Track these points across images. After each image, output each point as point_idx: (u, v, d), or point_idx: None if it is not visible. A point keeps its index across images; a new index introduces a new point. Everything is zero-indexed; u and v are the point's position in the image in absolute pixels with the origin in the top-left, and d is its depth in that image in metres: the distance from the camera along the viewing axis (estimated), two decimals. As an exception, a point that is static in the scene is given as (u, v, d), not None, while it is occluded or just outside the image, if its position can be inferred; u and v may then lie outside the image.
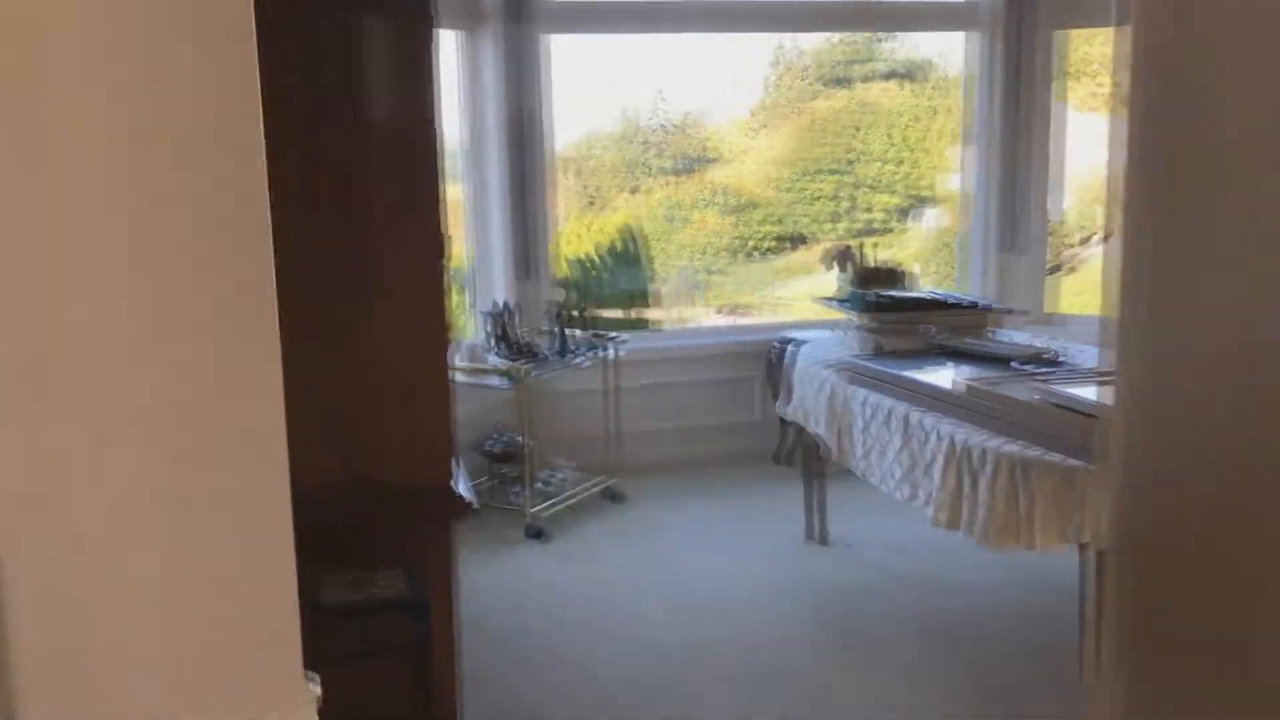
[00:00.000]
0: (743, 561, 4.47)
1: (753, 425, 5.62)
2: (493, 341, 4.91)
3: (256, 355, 1.38)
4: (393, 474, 2.89)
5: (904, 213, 11.02)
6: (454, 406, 2.91)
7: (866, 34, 10.56)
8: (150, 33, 1.17)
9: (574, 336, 5.07)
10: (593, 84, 8.33)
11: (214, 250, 1.28)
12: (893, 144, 10.89)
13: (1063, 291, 6.51)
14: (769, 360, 5.46)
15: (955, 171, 10.86)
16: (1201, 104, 1.27)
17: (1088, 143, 5.96)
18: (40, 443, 1.12)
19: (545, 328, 5.15)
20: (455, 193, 5.49)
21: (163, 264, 1.21)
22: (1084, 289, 10.24)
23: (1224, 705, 1.31)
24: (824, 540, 4.60)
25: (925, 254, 10.48)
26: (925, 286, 5.29)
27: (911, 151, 10.92)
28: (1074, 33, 5.76)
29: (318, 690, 1.37)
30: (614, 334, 5.25)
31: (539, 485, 4.96)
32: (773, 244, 10.83)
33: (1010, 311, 4.30)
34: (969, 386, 3.39)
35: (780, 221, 10.91)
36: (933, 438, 3.32)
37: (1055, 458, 3.01)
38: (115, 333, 1.17)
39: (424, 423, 2.89)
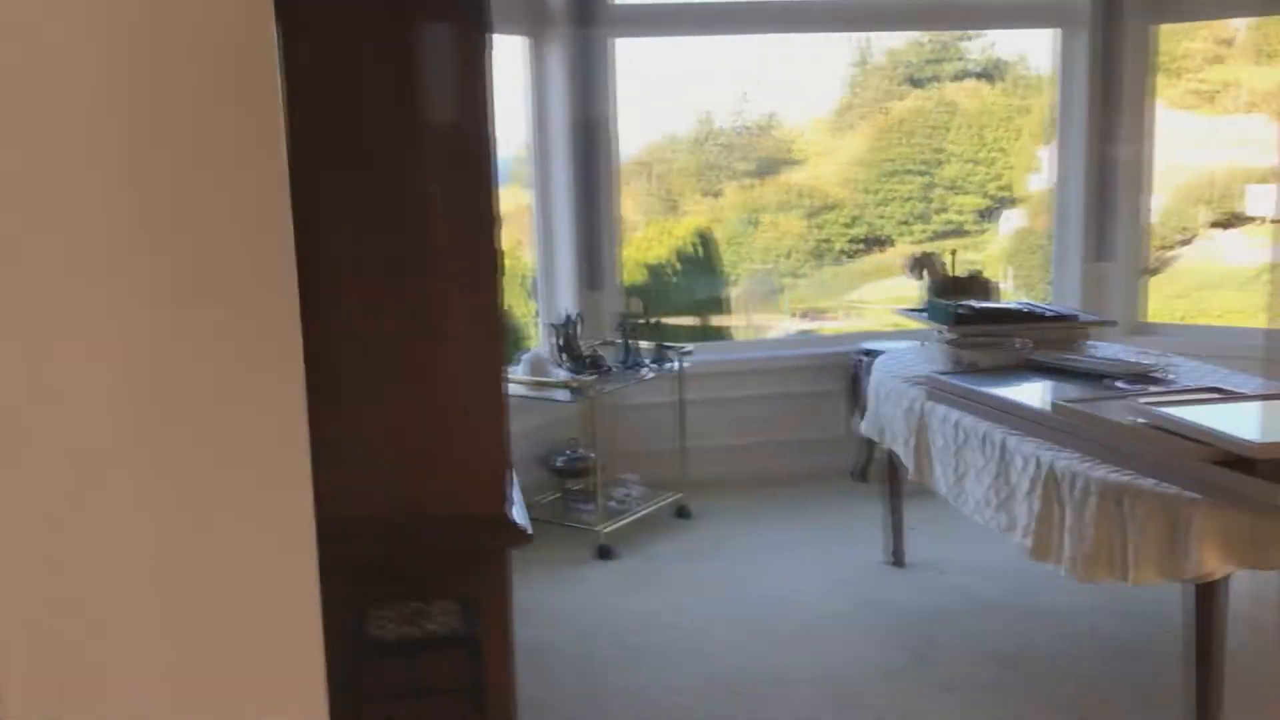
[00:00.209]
0: (817, 584, 4.22)
1: (827, 441, 5.35)
2: (558, 354, 4.73)
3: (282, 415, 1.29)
4: (448, 503, 2.72)
5: (986, 214, 10.65)
6: (508, 430, 2.72)
7: (950, 32, 10.22)
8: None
9: (639, 348, 4.86)
10: (670, 85, 8.13)
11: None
12: (976, 144, 10.53)
13: (1153, 296, 6.11)
14: (853, 374, 5.20)
15: (1040, 172, 10.44)
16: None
17: (1181, 142, 5.57)
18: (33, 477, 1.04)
19: (611, 339, 4.95)
20: (523, 200, 5.32)
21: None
22: (1183, 292, 9.77)
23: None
24: (900, 562, 4.33)
25: (1010, 257, 10.11)
26: (1010, 295, 5.00)
27: (993, 152, 10.55)
28: (1165, 28, 5.37)
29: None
30: (681, 345, 5.02)
31: (610, 504, 4.76)
32: (852, 246, 10.54)
33: (1111, 324, 3.98)
34: (1063, 407, 3.10)
35: (860, 224, 10.61)
36: (1030, 465, 3.04)
37: (1166, 488, 2.71)
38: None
39: (478, 447, 2.72)
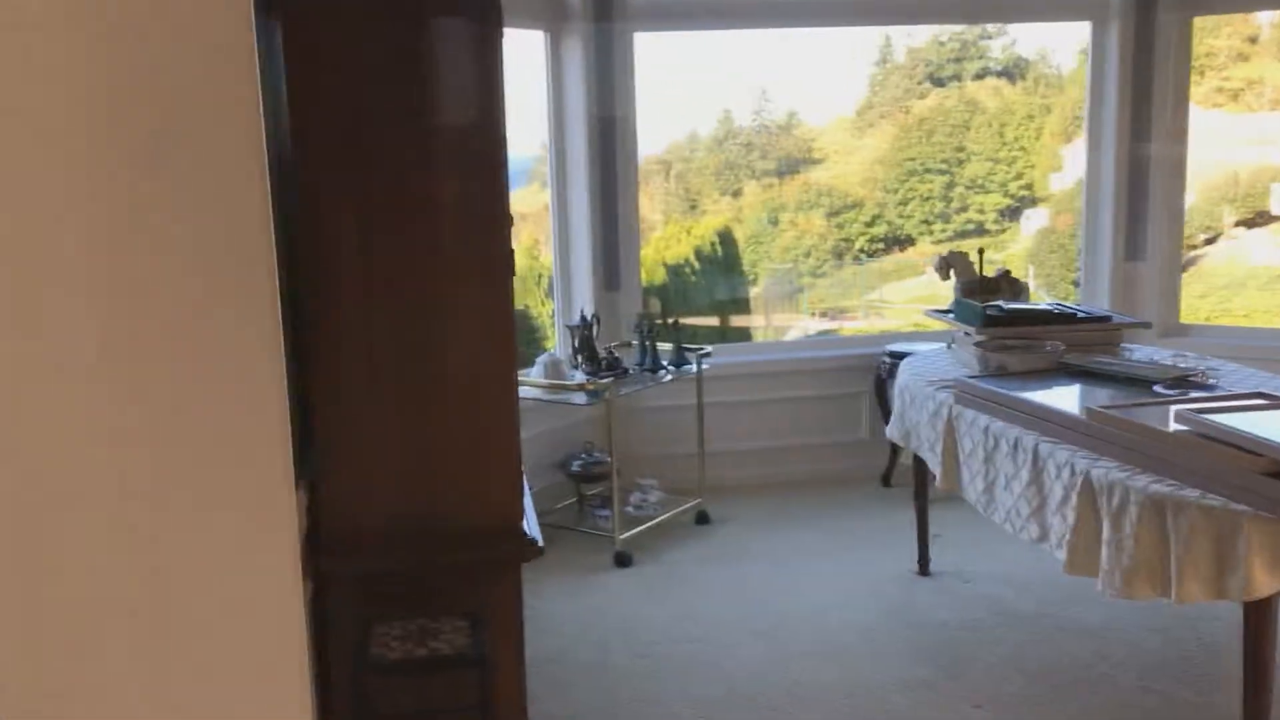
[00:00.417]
0: (840, 593, 4.04)
1: (851, 445, 5.18)
2: (575, 355, 4.57)
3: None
4: (456, 514, 2.57)
5: (1008, 214, 10.45)
6: (519, 437, 2.57)
7: (974, 31, 10.02)
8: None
9: (658, 350, 4.69)
10: (692, 84, 7.98)
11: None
12: (997, 143, 10.33)
13: (1183, 296, 5.89)
14: (878, 377, 5.02)
15: (1064, 171, 10.22)
16: None
17: (1205, 139, 5.35)
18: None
19: (630, 340, 4.79)
20: (542, 199, 5.17)
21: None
22: (1207, 291, 9.53)
23: None
24: (926, 570, 4.15)
25: (1031, 257, 9.90)
26: (1034, 296, 4.82)
27: (1015, 151, 10.34)
28: (1195, 23, 5.14)
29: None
30: (700, 347, 4.85)
31: (627, 509, 4.60)
32: (873, 245, 10.36)
33: (1146, 326, 3.79)
34: (1100, 413, 2.92)
35: (880, 223, 10.43)
36: (1065, 473, 2.87)
37: (1212, 500, 2.53)
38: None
39: (488, 456, 2.57)
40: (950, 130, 10.56)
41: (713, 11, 5.11)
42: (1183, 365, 3.31)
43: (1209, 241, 9.89)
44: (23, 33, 0.91)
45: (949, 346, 4.01)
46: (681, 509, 4.73)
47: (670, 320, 4.82)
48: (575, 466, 4.67)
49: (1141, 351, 3.66)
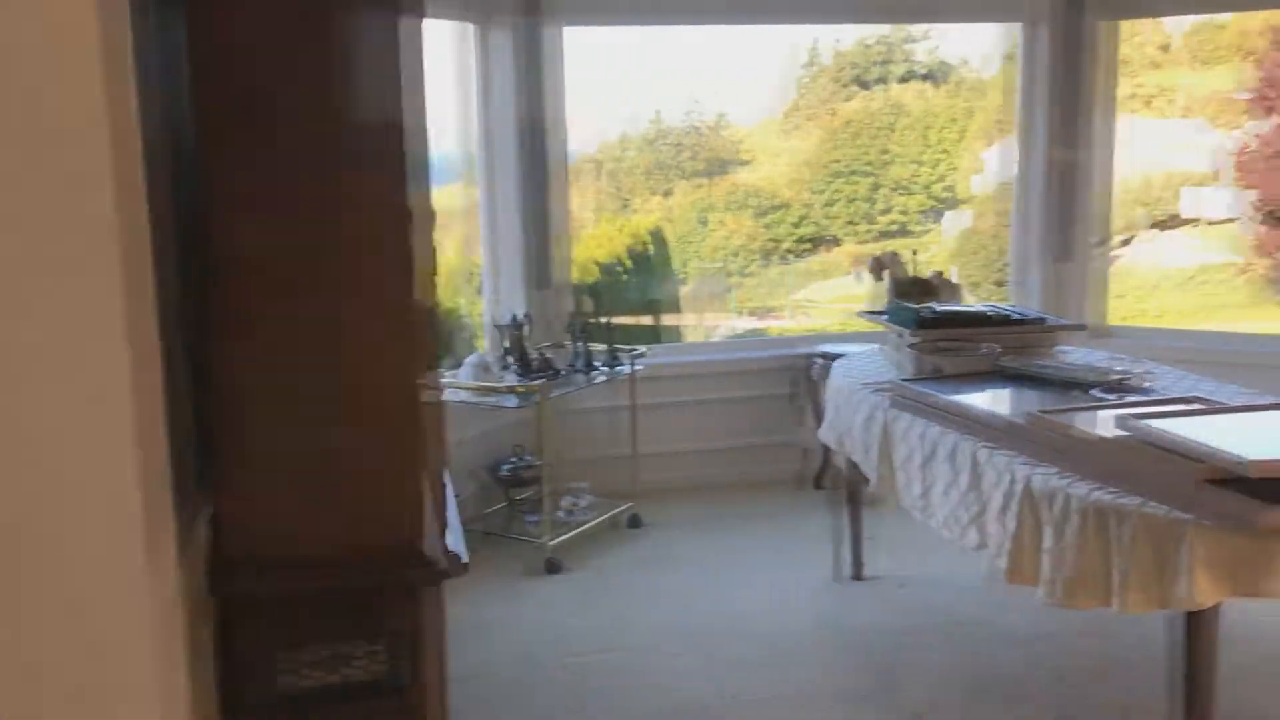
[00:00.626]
0: (774, 599, 3.90)
1: (784, 446, 5.04)
2: (506, 357, 4.37)
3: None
4: (365, 535, 2.35)
5: (933, 215, 10.48)
6: (426, 449, 2.37)
7: (898, 35, 10.01)
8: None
9: (591, 351, 4.51)
10: (623, 84, 7.83)
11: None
12: (921, 146, 10.35)
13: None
14: (807, 378, 4.89)
15: (985, 173, 10.25)
16: None
17: (1120, 144, 5.32)
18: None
19: (561, 341, 4.60)
20: (474, 196, 4.95)
21: None
22: (1124, 292, 9.62)
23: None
24: (860, 575, 4.03)
25: (954, 258, 9.92)
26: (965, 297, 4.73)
27: (938, 153, 10.36)
28: (1107, 28, 5.08)
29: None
30: (633, 348, 4.68)
31: (558, 514, 4.41)
32: (799, 246, 10.32)
33: (1081, 328, 3.71)
34: (1042, 419, 2.81)
35: (807, 224, 10.39)
36: (1004, 479, 2.75)
37: (1154, 508, 2.43)
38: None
39: (394, 470, 2.36)
40: (875, 133, 10.56)
41: (641, 7, 4.94)
42: (1119, 368, 3.22)
43: (1124, 244, 9.99)
44: None
45: (882, 348, 3.89)
46: (613, 513, 4.56)
47: (604, 320, 4.65)
48: (505, 471, 4.47)
49: (1076, 354, 3.57)
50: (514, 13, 4.68)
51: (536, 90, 4.76)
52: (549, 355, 4.40)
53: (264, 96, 2.19)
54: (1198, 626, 2.51)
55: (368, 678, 2.21)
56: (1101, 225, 5.13)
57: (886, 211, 10.37)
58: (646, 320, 8.16)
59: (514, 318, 4.43)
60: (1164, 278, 10.32)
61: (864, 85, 10.61)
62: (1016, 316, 3.57)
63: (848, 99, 10.56)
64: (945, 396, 3.12)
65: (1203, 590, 2.37)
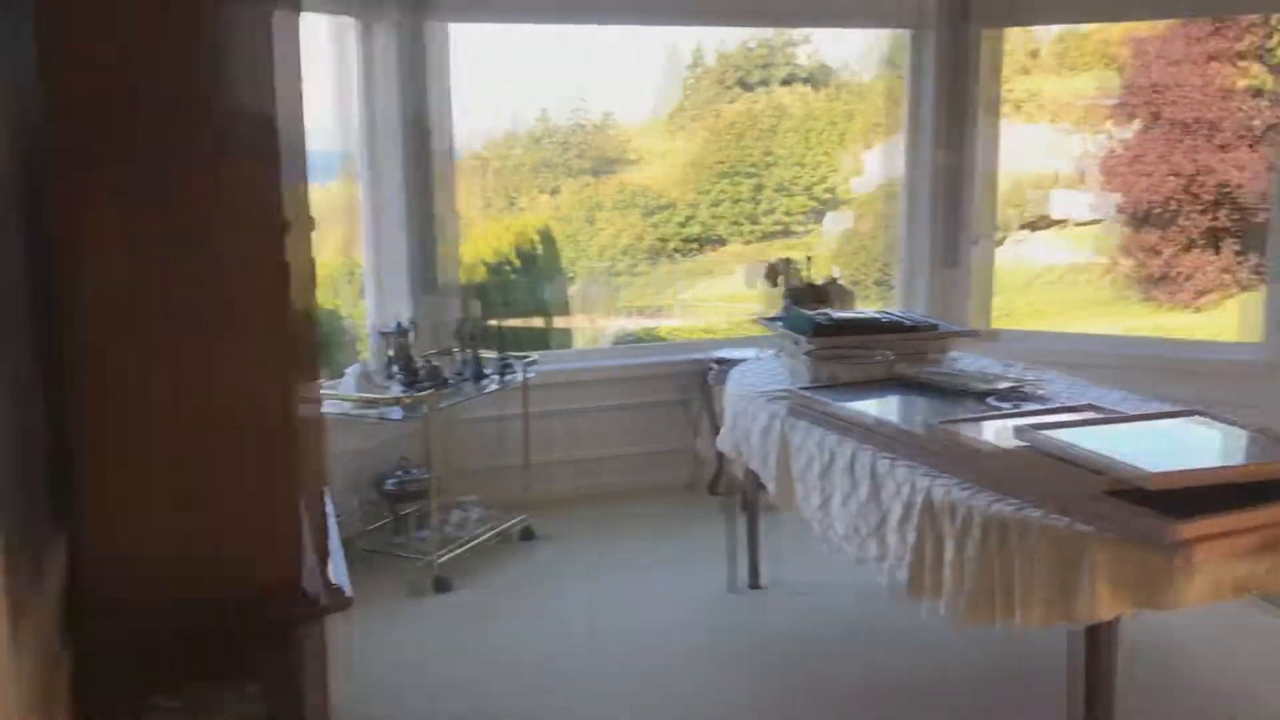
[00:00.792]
0: (672, 611, 3.79)
1: (680, 452, 4.93)
2: (391, 366, 4.15)
3: None
4: (234, 570, 2.15)
5: (815, 216, 10.56)
6: (298, 475, 2.18)
7: (781, 38, 10.04)
8: None
9: (480, 359, 4.32)
10: (510, 81, 7.63)
11: None
12: (803, 148, 10.41)
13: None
14: (703, 384, 4.78)
15: (865, 175, 10.36)
16: None
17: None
18: None
19: (449, 348, 4.40)
20: (353, 196, 4.70)
21: None
22: (998, 291, 9.83)
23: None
24: (758, 583, 3.95)
25: (836, 259, 10.00)
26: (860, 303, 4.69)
27: (819, 155, 10.44)
28: (991, 35, 5.12)
29: None
30: (524, 355, 4.51)
31: (447, 529, 4.21)
32: (686, 245, 10.28)
33: (974, 334, 3.69)
34: (942, 430, 2.76)
35: (694, 224, 10.36)
36: (905, 490, 2.68)
37: (1055, 521, 2.38)
38: None
39: (266, 499, 2.15)
40: (759, 134, 10.60)
41: (526, 5, 4.77)
42: (1013, 375, 3.20)
43: (997, 244, 10.23)
44: None
45: (778, 355, 3.80)
46: (505, 526, 4.38)
47: (493, 324, 4.46)
48: (390, 485, 4.24)
49: (969, 360, 3.54)
50: (398, 9, 4.46)
51: (421, 87, 4.54)
52: (436, 363, 4.20)
53: (123, 92, 1.97)
54: (1098, 639, 2.48)
55: (240, 728, 2.01)
56: (986, 227, 5.16)
57: (770, 212, 10.40)
58: (537, 322, 7.99)
59: (399, 324, 4.21)
60: (1035, 277, 10.59)
61: (747, 87, 10.62)
62: (910, 323, 3.52)
63: (731, 101, 10.55)
64: (843, 405, 3.04)
65: (1104, 604, 2.33)
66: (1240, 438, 2.62)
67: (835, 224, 10.64)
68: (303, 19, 2.60)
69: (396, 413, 4.01)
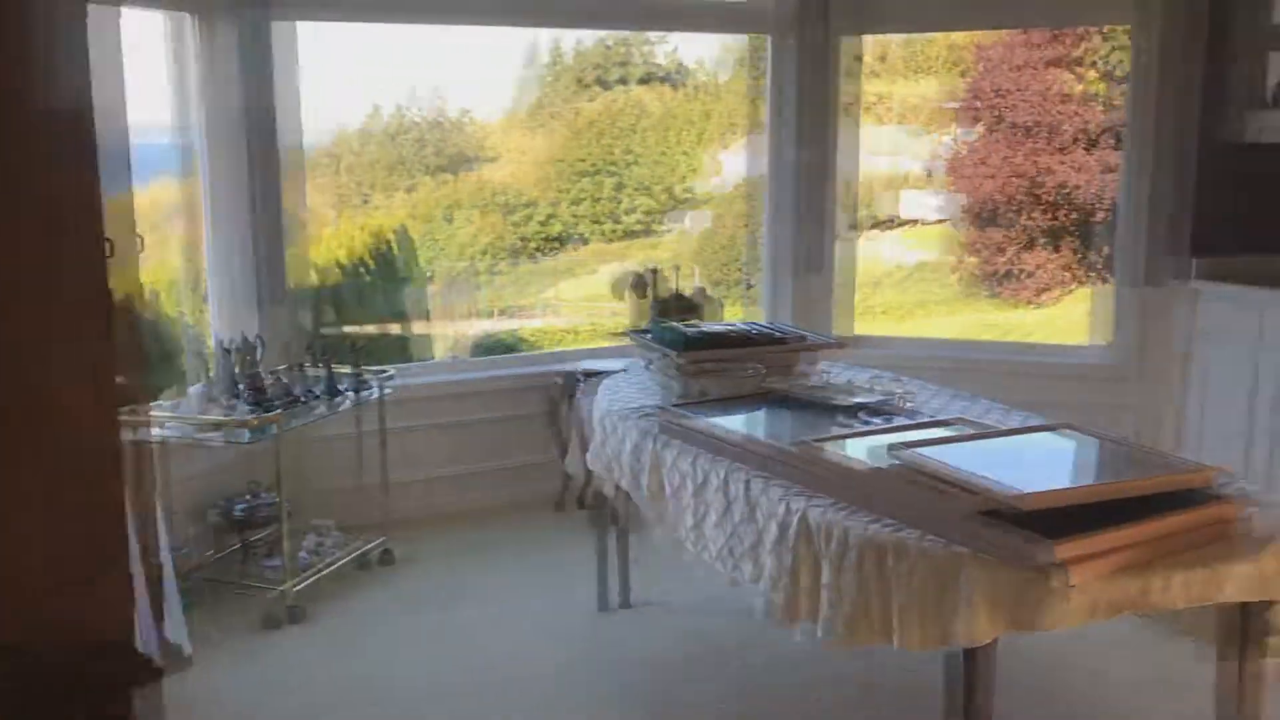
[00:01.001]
0: (539, 635, 3.64)
1: (544, 466, 4.75)
2: (237, 385, 3.86)
3: None
4: (55, 627, 1.90)
5: (674, 216, 10.54)
6: (126, 518, 1.95)
7: (638, 37, 9.96)
8: None
9: (335, 374, 4.06)
10: (362, 77, 7.30)
11: None
12: (660, 147, 10.37)
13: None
14: (569, 397, 4.62)
15: (722, 175, 10.39)
16: None
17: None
18: None
19: (300, 363, 4.13)
20: (193, 196, 4.37)
21: None
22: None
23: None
24: (627, 602, 3.83)
25: (699, 257, 10.00)
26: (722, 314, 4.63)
27: (676, 155, 10.43)
28: (849, 41, 5.14)
29: None
30: (381, 369, 4.27)
31: (301, 555, 3.95)
32: (547, 244, 10.11)
33: (842, 345, 3.65)
34: (815, 449, 2.68)
35: (554, 222, 10.20)
36: (780, 510, 2.59)
37: (931, 542, 2.33)
38: None
39: (92, 549, 1.92)
40: (618, 133, 10.51)
41: (373, 5, 4.53)
42: (881, 387, 3.16)
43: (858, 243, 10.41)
44: None
45: (648, 367, 3.68)
46: (363, 550, 4.14)
47: (347, 336, 4.21)
48: (238, 511, 3.95)
49: (837, 370, 3.50)
50: (240, 5, 4.15)
51: (266, 83, 4.25)
52: (286, 380, 3.93)
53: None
54: (975, 661, 2.44)
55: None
56: (846, 227, 5.17)
57: (632, 211, 10.33)
58: (395, 328, 7.70)
59: (244, 339, 3.93)
60: (885, 275, 10.80)
61: (606, 86, 10.51)
62: (779, 335, 3.45)
63: (591, 99, 10.43)
64: (714, 422, 2.95)
65: (981, 626, 2.29)
66: (1110, 451, 2.62)
67: (694, 224, 10.64)
68: (130, 14, 2.35)
69: (243, 435, 3.72)
